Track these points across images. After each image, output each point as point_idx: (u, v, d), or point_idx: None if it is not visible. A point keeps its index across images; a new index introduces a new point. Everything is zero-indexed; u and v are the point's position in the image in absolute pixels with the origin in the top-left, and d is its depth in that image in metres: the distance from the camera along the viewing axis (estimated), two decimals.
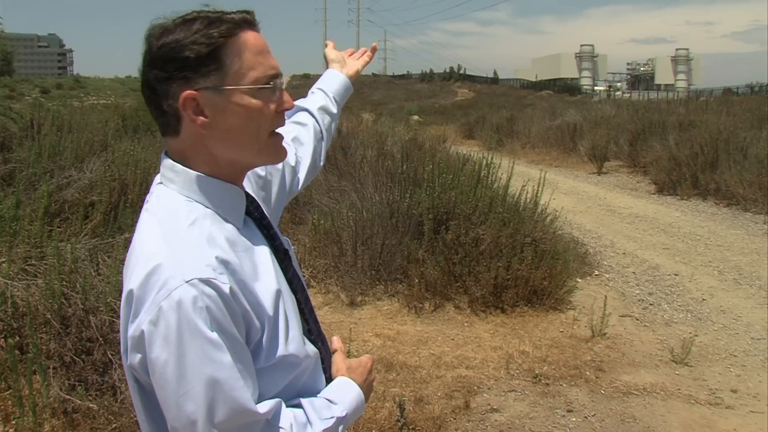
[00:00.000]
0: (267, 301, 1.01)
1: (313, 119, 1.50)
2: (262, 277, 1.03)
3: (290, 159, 1.38)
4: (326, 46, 1.69)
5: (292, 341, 1.03)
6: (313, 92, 1.58)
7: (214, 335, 0.90)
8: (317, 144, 1.47)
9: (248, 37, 1.02)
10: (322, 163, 1.50)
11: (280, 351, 1.01)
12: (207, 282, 0.91)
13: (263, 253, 1.07)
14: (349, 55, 1.69)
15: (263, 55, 1.03)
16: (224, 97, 1.00)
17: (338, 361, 1.18)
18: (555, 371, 4.02)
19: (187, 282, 0.90)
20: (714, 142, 10.42)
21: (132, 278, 0.94)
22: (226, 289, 0.92)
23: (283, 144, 1.11)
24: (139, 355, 0.93)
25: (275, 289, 1.03)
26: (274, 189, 1.31)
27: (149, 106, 1.03)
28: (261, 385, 0.98)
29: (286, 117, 1.51)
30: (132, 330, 0.92)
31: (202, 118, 1.00)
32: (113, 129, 7.91)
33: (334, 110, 1.56)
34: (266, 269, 1.04)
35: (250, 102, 1.01)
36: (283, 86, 1.07)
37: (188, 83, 0.98)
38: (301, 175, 1.41)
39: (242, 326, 0.95)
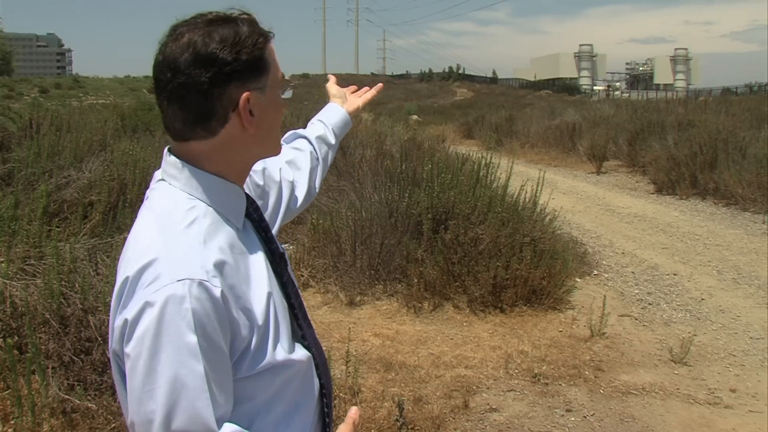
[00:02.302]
0: (258, 306, 1.00)
1: (311, 146, 1.52)
2: (256, 281, 1.02)
3: (288, 176, 1.39)
4: (328, 80, 1.73)
5: (280, 348, 1.03)
6: (312, 123, 1.61)
7: (194, 339, 0.89)
8: (314, 169, 1.49)
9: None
10: (317, 190, 1.52)
11: (267, 359, 0.99)
12: (199, 284, 0.90)
13: (259, 257, 1.06)
14: (352, 92, 1.73)
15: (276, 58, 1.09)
16: (266, 96, 1.04)
17: (343, 430, 1.12)
18: (554, 371, 4.02)
19: (178, 281, 0.90)
20: (713, 141, 10.43)
21: (127, 268, 0.94)
22: (217, 293, 0.92)
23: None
24: (120, 344, 0.93)
25: (267, 292, 1.02)
26: (271, 200, 1.32)
27: (184, 108, 0.98)
28: (249, 390, 0.98)
29: (283, 143, 1.55)
30: (119, 319, 0.93)
31: (251, 118, 1.03)
32: (112, 129, 7.92)
33: (332, 141, 1.58)
34: (260, 273, 1.04)
35: (279, 99, 1.09)
36: None
37: (244, 84, 1.00)
38: (299, 195, 1.42)
39: (228, 334, 0.94)
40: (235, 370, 0.97)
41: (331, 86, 1.70)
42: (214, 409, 0.91)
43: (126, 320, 0.91)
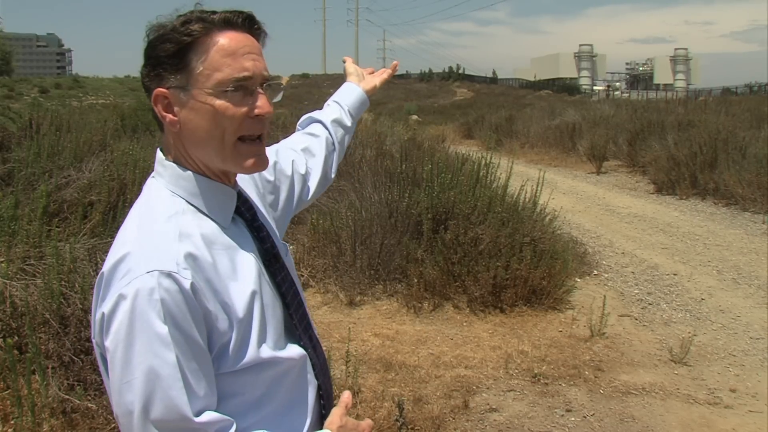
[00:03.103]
0: (240, 301, 1.00)
1: (326, 131, 1.50)
2: (240, 277, 1.02)
3: (300, 168, 1.38)
4: (344, 61, 1.71)
5: (266, 346, 1.03)
6: (328, 104, 1.58)
7: (164, 329, 0.90)
8: (329, 155, 1.47)
9: (221, 37, 1.01)
10: (333, 175, 1.51)
11: (251, 355, 1.00)
12: (167, 275, 0.92)
13: (246, 254, 1.06)
14: (369, 73, 1.70)
15: (234, 57, 1.01)
16: (189, 96, 1.01)
17: (336, 413, 1.12)
18: (554, 371, 4.02)
19: (147, 273, 0.91)
20: (713, 141, 10.43)
21: (106, 263, 0.97)
22: (186, 284, 0.93)
23: (265, 154, 1.08)
24: (101, 337, 0.95)
25: (251, 290, 1.02)
26: (282, 195, 1.32)
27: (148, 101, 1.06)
28: (236, 386, 0.99)
29: (299, 128, 1.52)
30: (98, 313, 0.95)
31: (170, 116, 1.02)
32: (112, 129, 7.92)
33: (348, 123, 1.56)
34: (246, 270, 1.04)
35: (214, 103, 1.00)
36: (260, 90, 1.04)
37: (161, 81, 1.01)
38: (312, 184, 1.41)
39: (203, 326, 0.95)
40: (218, 364, 0.97)
41: (349, 65, 1.68)
42: (191, 399, 0.92)
43: (103, 314, 0.93)
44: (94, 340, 0.99)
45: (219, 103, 1.00)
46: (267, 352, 1.02)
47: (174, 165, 1.05)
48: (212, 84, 1.00)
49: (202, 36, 1.00)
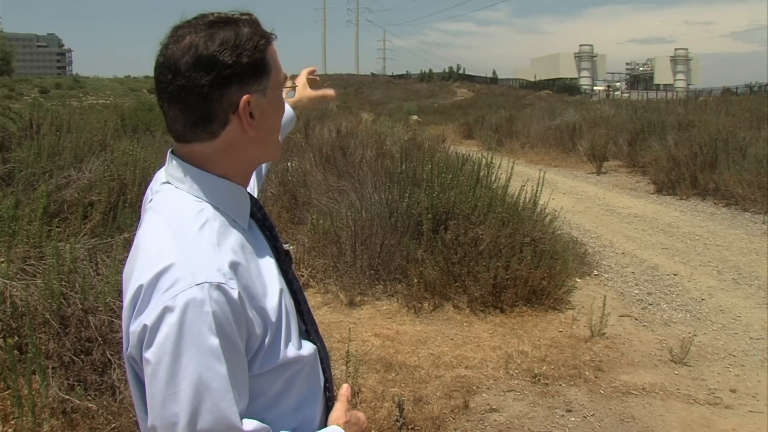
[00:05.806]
0: (271, 305, 1.01)
1: None
2: (267, 280, 1.03)
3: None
4: (317, 80, 1.85)
5: (291, 345, 1.04)
6: None
7: (216, 342, 0.90)
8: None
9: None
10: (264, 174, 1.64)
11: (281, 357, 1.01)
12: (217, 287, 0.91)
13: (267, 256, 1.07)
14: (310, 76, 1.82)
15: None
16: (267, 98, 1.03)
17: (339, 409, 1.15)
18: (554, 371, 4.02)
19: (197, 285, 0.90)
20: (713, 142, 10.43)
21: (141, 275, 0.94)
22: (234, 294, 0.93)
23: None
24: (138, 350, 0.93)
25: (279, 289, 1.03)
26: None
27: (184, 110, 0.98)
28: (260, 386, 0.99)
29: None
30: (135, 325, 0.93)
31: (254, 121, 1.02)
32: (112, 129, 7.90)
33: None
34: (270, 272, 1.05)
35: (281, 100, 1.08)
36: None
37: (244, 87, 0.99)
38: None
39: (244, 333, 0.95)
40: (250, 367, 0.98)
41: (301, 77, 1.80)
42: (238, 408, 0.93)
43: (145, 326, 0.90)
44: (127, 354, 0.97)
45: (282, 101, 1.09)
46: (292, 351, 1.04)
47: (198, 170, 1.02)
48: (279, 83, 1.06)
49: (272, 40, 1.05)
